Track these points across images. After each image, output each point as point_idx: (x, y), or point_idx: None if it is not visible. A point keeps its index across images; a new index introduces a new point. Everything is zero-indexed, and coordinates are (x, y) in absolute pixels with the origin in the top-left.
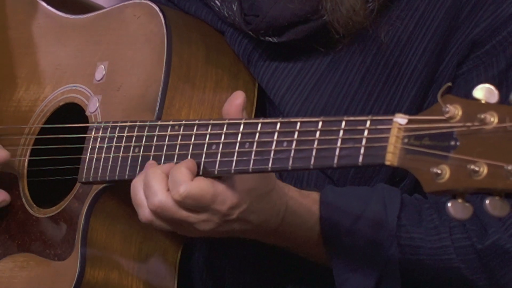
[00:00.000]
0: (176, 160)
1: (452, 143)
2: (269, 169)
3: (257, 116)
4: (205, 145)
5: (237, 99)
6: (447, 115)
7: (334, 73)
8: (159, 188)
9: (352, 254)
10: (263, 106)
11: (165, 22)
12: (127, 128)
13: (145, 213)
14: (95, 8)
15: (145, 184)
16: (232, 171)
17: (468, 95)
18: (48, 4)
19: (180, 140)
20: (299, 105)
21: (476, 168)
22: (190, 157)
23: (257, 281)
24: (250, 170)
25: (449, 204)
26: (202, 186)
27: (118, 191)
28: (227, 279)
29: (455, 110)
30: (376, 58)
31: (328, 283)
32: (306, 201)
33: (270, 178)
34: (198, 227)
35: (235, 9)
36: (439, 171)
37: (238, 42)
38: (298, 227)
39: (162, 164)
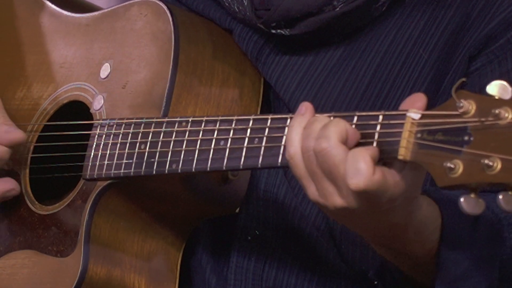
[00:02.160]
0: (183, 156)
1: (466, 138)
2: (279, 164)
3: (262, 113)
4: (213, 141)
5: (418, 101)
6: (461, 110)
7: (344, 69)
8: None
9: (468, 260)
10: (268, 103)
11: (173, 20)
12: (133, 125)
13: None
14: (96, 9)
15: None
16: (241, 167)
17: (483, 91)
18: (52, 3)
19: (188, 136)
20: (309, 101)
21: (490, 163)
22: (198, 153)
23: (260, 282)
24: (259, 165)
25: (461, 199)
26: (381, 183)
27: (122, 188)
28: (229, 280)
29: (469, 105)
30: (387, 54)
31: None
32: (435, 207)
33: (419, 184)
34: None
35: (245, 3)
36: (452, 166)
37: (248, 38)
38: (423, 231)
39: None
